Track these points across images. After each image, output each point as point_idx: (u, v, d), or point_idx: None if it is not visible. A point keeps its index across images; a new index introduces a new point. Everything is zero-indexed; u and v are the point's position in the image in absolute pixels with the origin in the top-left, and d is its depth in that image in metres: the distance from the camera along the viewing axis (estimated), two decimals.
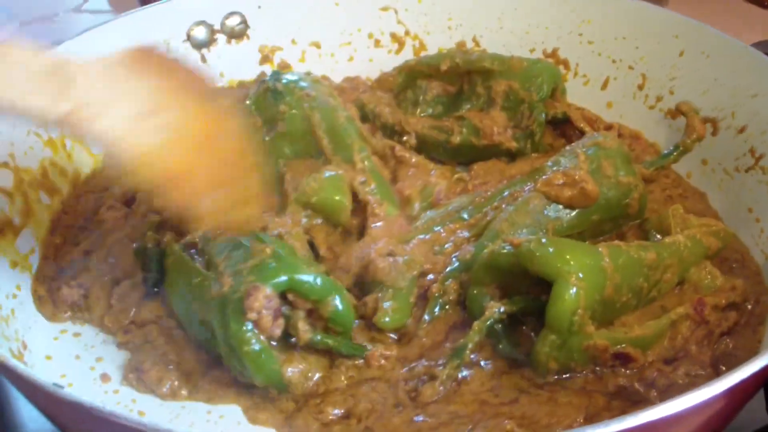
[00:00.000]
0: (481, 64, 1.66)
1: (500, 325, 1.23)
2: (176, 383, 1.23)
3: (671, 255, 1.27)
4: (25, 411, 1.30)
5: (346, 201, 1.42)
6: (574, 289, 1.14)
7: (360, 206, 1.44)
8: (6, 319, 1.27)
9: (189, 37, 1.78)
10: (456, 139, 1.64)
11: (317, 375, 1.21)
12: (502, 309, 1.21)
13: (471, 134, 1.64)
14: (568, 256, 1.16)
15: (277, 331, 1.14)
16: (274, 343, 1.17)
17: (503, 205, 1.42)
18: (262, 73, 1.73)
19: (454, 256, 1.38)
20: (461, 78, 1.70)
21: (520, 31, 1.83)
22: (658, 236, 1.38)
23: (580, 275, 1.15)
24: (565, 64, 1.80)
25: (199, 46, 1.79)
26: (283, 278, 1.14)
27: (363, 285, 1.35)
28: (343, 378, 1.22)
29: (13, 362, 1.02)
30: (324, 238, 1.42)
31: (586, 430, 0.86)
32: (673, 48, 1.65)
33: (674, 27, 1.65)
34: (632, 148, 1.62)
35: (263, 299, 1.11)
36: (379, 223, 1.41)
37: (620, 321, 1.24)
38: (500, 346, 1.24)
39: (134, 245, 1.38)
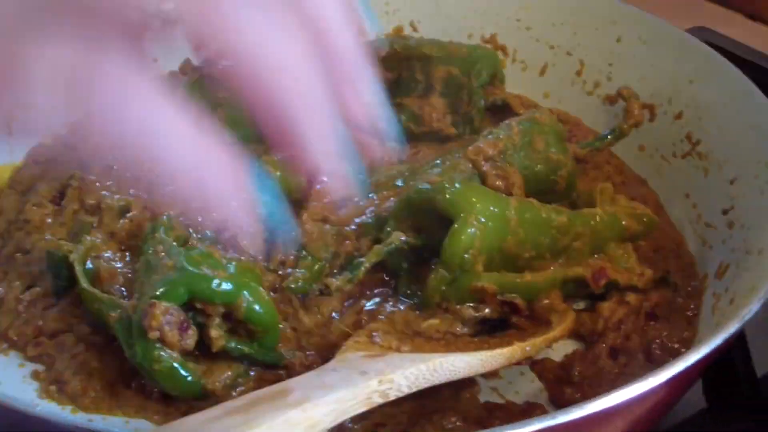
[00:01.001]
0: (420, 50, 1.65)
1: (406, 264, 1.27)
2: (100, 392, 1.16)
3: (583, 224, 1.28)
4: None
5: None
6: (472, 229, 1.17)
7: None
8: None
9: None
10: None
11: (244, 378, 1.16)
12: (403, 238, 1.24)
13: (410, 121, 1.63)
14: (474, 199, 1.20)
15: (189, 342, 1.09)
16: (196, 353, 1.12)
17: (434, 170, 1.40)
18: (188, 60, 1.69)
19: (370, 210, 1.37)
20: (400, 64, 1.68)
21: (458, 16, 1.81)
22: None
23: (481, 218, 1.18)
24: (503, 49, 1.80)
25: None
26: (181, 289, 1.09)
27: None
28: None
29: None
30: None
31: (534, 423, 0.85)
32: (611, 34, 1.66)
33: (612, 13, 1.66)
34: (573, 134, 1.62)
35: (161, 315, 1.06)
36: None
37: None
38: (400, 284, 1.27)
39: (47, 250, 1.29)
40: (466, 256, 1.17)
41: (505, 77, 1.72)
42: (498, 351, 1.12)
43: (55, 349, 1.22)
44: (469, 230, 1.17)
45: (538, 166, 1.41)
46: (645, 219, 1.36)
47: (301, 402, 0.88)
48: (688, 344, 1.23)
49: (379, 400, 0.97)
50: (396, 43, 1.68)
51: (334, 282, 1.22)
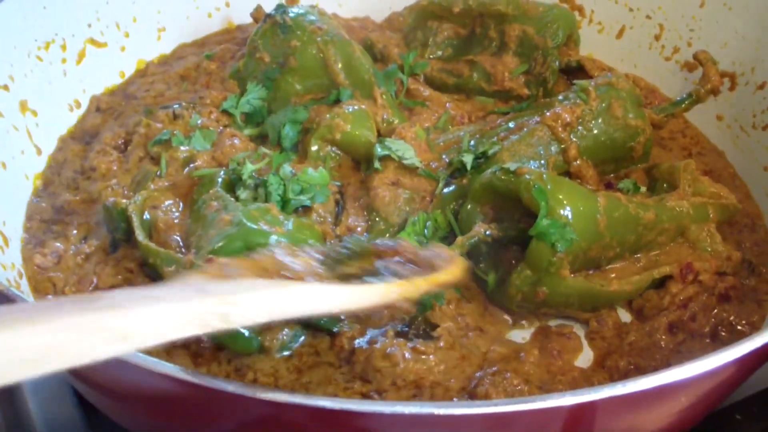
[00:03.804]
0: (495, 7, 1.62)
1: (486, 247, 1.24)
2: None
3: (670, 219, 1.25)
4: None
5: (373, 136, 1.39)
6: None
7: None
8: (1, 248, 1.24)
9: None
10: (466, 83, 1.60)
11: (300, 339, 1.16)
12: (488, 232, 1.20)
13: (482, 79, 1.60)
14: (561, 196, 1.15)
15: None
16: None
17: (510, 136, 1.38)
18: (259, 7, 1.67)
19: (445, 157, 1.37)
20: (473, 20, 1.66)
21: None
22: (665, 185, 1.37)
23: (570, 219, 1.14)
24: (581, 10, 1.75)
25: None
26: (238, 244, 1.07)
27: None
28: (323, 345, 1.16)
29: (14, 293, 0.99)
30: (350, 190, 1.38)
31: (602, 390, 0.84)
32: None
33: None
34: (648, 100, 1.59)
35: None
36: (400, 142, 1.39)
37: (600, 270, 1.23)
38: (480, 266, 1.25)
39: (104, 204, 1.29)
40: (553, 259, 1.14)
41: (580, 39, 1.68)
42: (370, 287, 0.99)
43: None
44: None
45: (617, 132, 1.38)
46: (731, 209, 1.32)
47: (111, 308, 0.74)
48: (756, 327, 1.21)
49: (218, 324, 0.80)
50: None
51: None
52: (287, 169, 1.26)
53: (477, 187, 1.25)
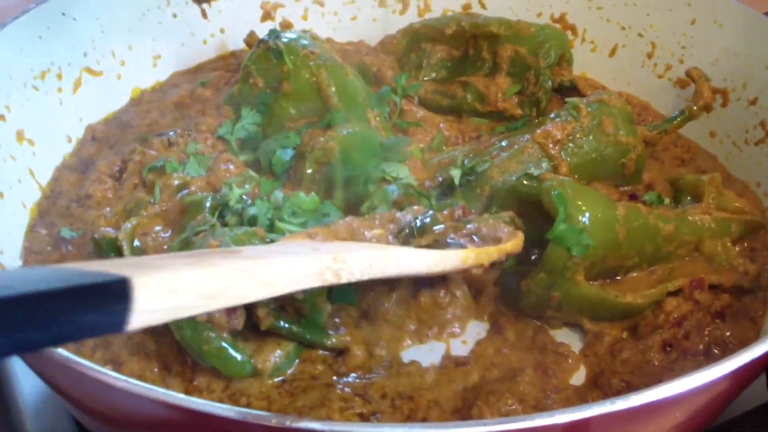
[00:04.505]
0: (488, 28, 1.63)
1: None
2: (156, 375, 1.15)
3: (691, 233, 1.26)
4: (19, 369, 1.29)
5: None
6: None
7: None
8: None
9: None
10: (460, 104, 1.61)
11: (294, 363, 1.16)
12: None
13: (475, 100, 1.61)
14: (580, 202, 1.17)
15: (237, 322, 1.08)
16: (245, 332, 1.12)
17: (501, 153, 1.39)
18: (253, 32, 1.69)
19: (439, 176, 1.39)
20: (466, 42, 1.67)
21: None
22: (689, 198, 1.37)
23: (587, 225, 1.16)
24: (573, 29, 1.77)
25: (200, 0, 1.75)
26: None
27: None
28: (319, 366, 1.17)
29: None
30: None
31: (593, 407, 0.84)
32: (685, 16, 1.61)
33: None
34: (642, 117, 1.59)
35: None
36: None
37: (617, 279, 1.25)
38: (506, 263, 1.25)
39: (95, 234, 1.28)
40: (568, 263, 1.15)
41: (573, 58, 1.69)
42: (453, 251, 1.12)
43: None
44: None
45: (608, 149, 1.39)
46: (753, 225, 1.32)
47: (254, 257, 0.87)
48: (750, 344, 1.20)
49: (331, 279, 0.93)
50: (463, 20, 1.66)
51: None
52: (278, 195, 1.27)
53: (502, 191, 1.29)
